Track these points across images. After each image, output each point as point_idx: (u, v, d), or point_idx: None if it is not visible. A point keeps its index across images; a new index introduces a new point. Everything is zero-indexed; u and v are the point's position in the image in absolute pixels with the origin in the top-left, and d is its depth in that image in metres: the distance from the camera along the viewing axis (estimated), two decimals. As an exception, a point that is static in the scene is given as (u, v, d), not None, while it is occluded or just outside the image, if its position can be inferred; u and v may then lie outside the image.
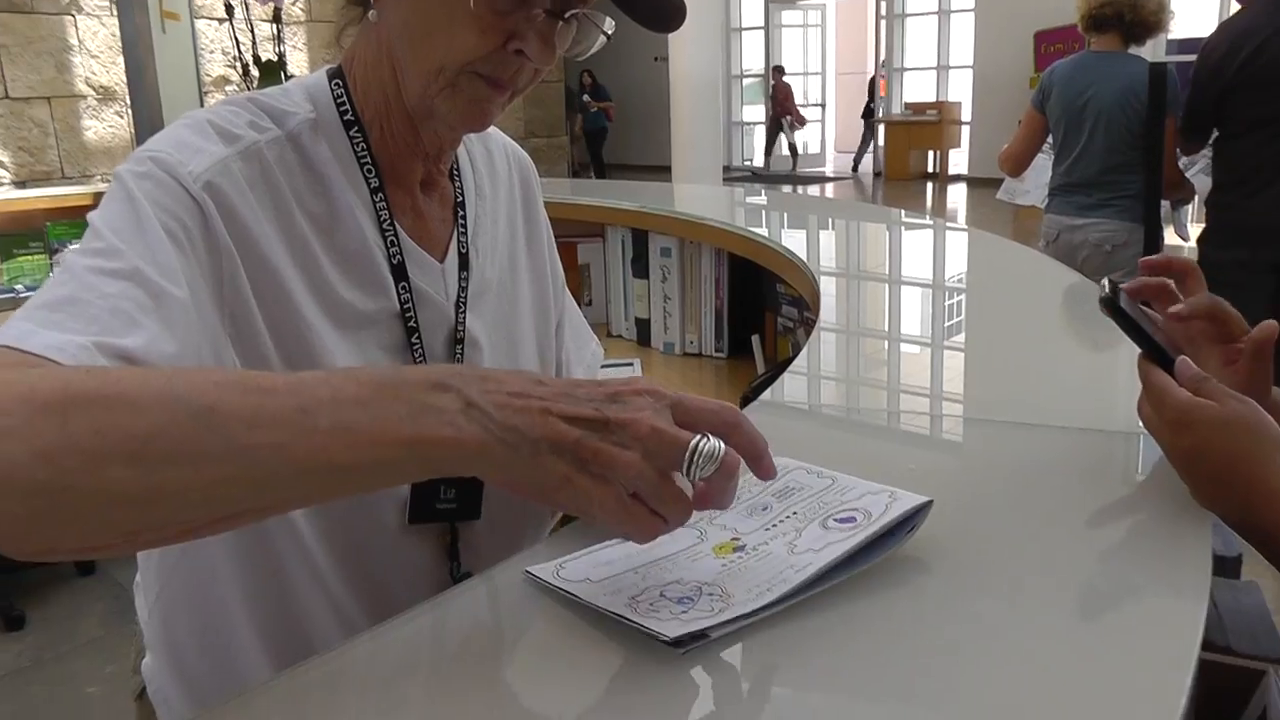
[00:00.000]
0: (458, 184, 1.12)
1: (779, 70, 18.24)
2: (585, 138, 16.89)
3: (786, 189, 16.28)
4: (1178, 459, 0.93)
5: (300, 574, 1.00)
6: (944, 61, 18.12)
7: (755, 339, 2.53)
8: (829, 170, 19.08)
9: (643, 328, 2.77)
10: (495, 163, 1.20)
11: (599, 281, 2.89)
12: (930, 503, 0.83)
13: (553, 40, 0.93)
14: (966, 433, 1.23)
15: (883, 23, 18.22)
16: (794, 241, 2.38)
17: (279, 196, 0.95)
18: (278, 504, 0.69)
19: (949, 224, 3.07)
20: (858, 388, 1.52)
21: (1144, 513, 0.95)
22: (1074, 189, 3.78)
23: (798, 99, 19.23)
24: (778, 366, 2.26)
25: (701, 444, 0.68)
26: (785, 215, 3.11)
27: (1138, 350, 0.96)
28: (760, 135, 20.09)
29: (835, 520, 0.82)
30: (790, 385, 1.45)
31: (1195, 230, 3.73)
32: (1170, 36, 3.67)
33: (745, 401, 2.18)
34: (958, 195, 15.56)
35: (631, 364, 2.59)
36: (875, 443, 1.22)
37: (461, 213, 1.11)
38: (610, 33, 0.97)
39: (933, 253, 2.64)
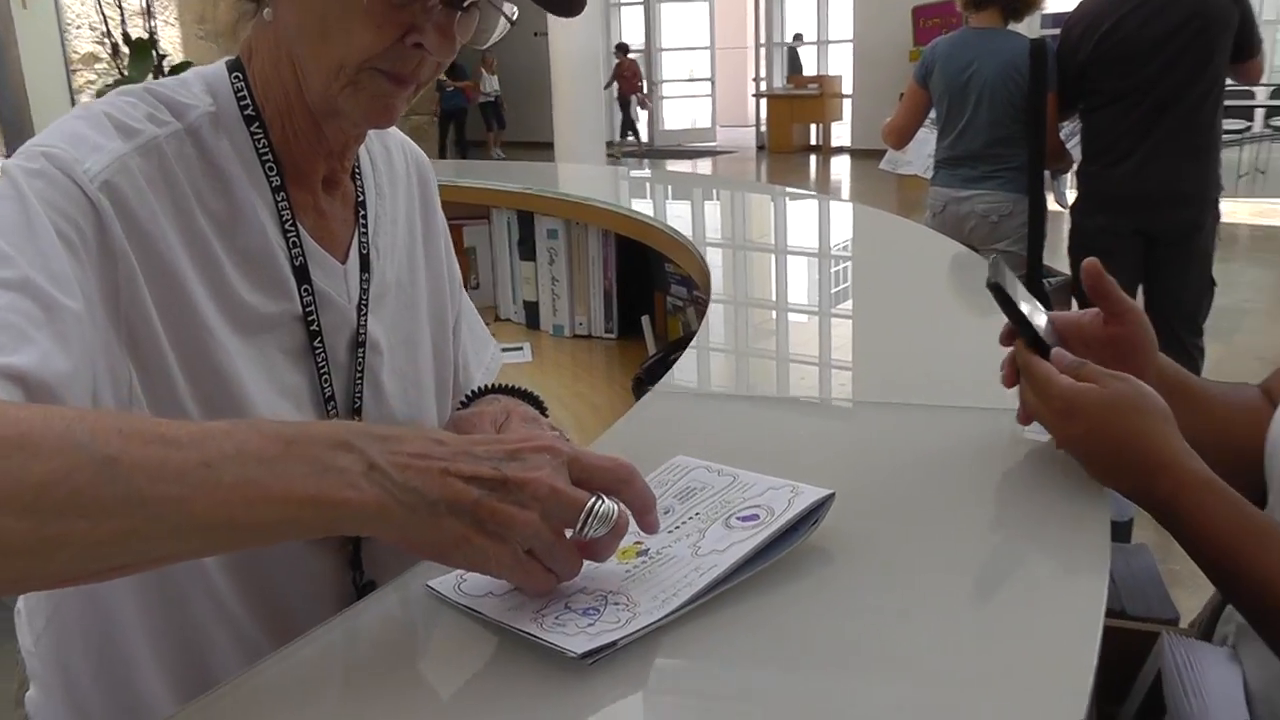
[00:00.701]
0: (359, 183, 1.09)
1: (622, 48, 17.99)
2: (440, 118, 16.57)
3: (673, 164, 16.32)
4: (1070, 445, 0.95)
5: (200, 596, 0.95)
6: (824, 36, 18.34)
7: (645, 319, 2.52)
8: (719, 144, 19.12)
9: (531, 310, 2.74)
10: (394, 161, 1.16)
11: (485, 265, 2.84)
12: (832, 495, 0.83)
13: (452, 32, 0.90)
14: (860, 415, 1.24)
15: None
16: (681, 221, 2.37)
17: (179, 194, 0.91)
18: (174, 557, 0.67)
19: (834, 199, 3.09)
20: (748, 361, 1.53)
21: (1041, 489, 0.96)
22: (959, 162, 3.85)
23: (682, 74, 19.24)
24: (669, 347, 2.25)
25: (597, 506, 0.71)
26: (670, 191, 3.10)
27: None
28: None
29: (738, 519, 0.82)
30: (685, 367, 1.44)
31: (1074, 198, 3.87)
32: (1043, 11, 3.78)
33: (638, 383, 2.18)
34: (841, 167, 15.77)
35: (521, 348, 2.56)
36: (770, 426, 1.21)
37: (363, 212, 1.08)
38: (514, 18, 0.94)
39: (818, 228, 2.66)
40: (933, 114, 3.97)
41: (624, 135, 18.28)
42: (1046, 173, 3.86)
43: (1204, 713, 0.91)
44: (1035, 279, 3.71)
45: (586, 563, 0.75)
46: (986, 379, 1.07)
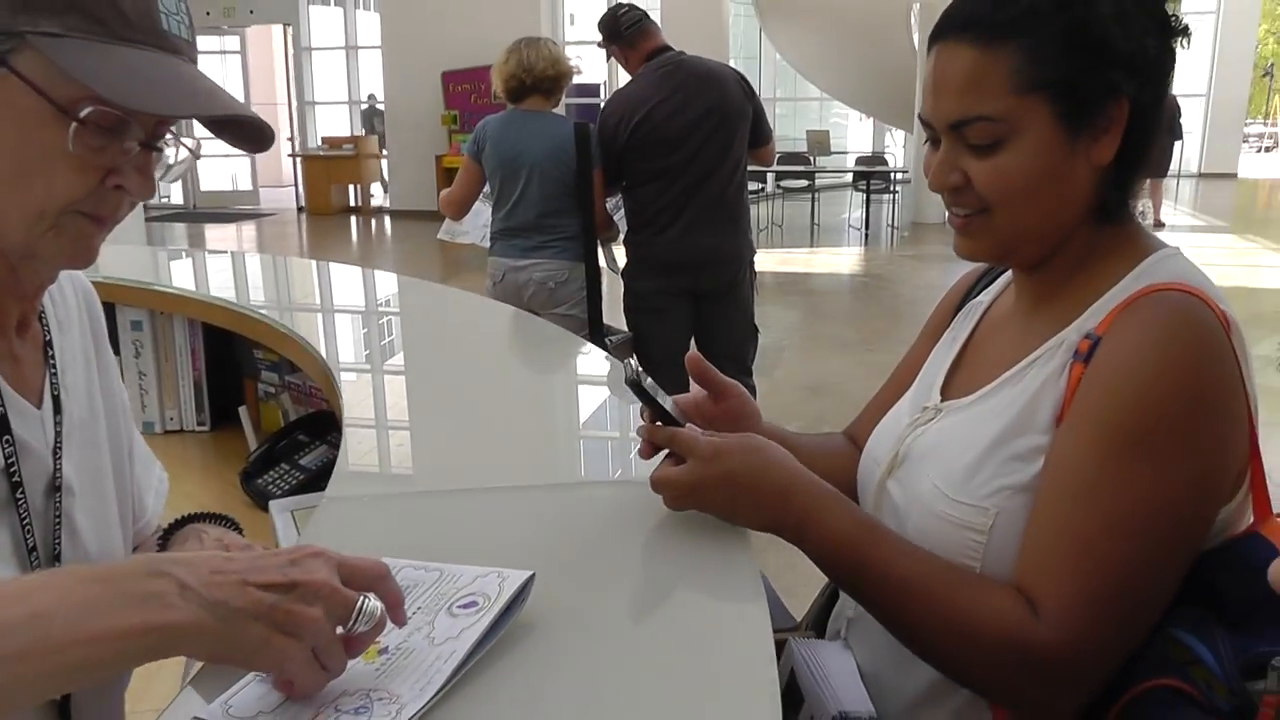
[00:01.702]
0: (44, 322, 1.07)
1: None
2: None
3: (213, 228, 15.66)
4: (715, 489, 1.14)
5: None
6: (355, 96, 18.36)
7: (243, 410, 2.50)
8: (260, 206, 18.48)
9: (114, 407, 2.62)
10: (66, 293, 1.14)
11: (55, 360, 2.68)
12: (533, 575, 0.97)
13: (150, 171, 0.93)
14: (502, 499, 1.36)
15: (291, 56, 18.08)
16: (280, 312, 2.39)
17: None
18: (10, 706, 0.69)
19: (382, 272, 3.21)
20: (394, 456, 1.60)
21: (687, 543, 1.15)
22: (515, 233, 4.12)
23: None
24: (273, 437, 2.25)
25: (365, 603, 0.81)
26: (254, 273, 3.08)
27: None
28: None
29: (459, 607, 0.93)
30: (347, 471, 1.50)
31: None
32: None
33: (246, 476, 2.16)
34: (383, 228, 15.84)
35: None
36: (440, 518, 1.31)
37: (51, 352, 1.06)
38: (199, 153, 0.98)
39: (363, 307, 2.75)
40: (487, 188, 4.21)
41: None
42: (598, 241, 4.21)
43: (832, 694, 1.16)
44: (597, 337, 4.03)
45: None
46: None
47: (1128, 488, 1.03)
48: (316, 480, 2.07)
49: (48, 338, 1.07)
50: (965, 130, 1.13)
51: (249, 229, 15.94)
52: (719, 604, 1.04)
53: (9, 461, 0.97)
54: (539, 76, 4.06)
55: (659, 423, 1.19)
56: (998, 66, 1.10)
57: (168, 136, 0.95)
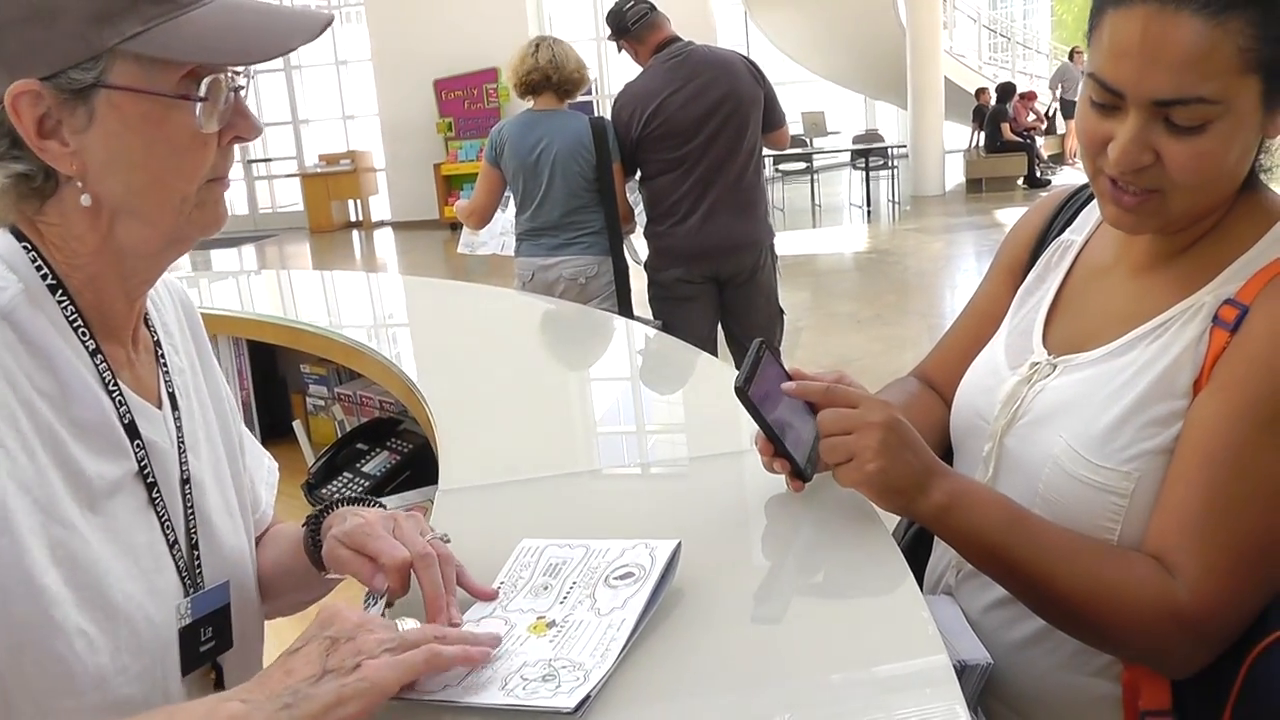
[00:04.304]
0: (150, 327, 1.10)
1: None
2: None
3: (217, 253, 15.68)
4: (883, 430, 1.10)
5: None
6: (346, 112, 18.35)
7: (297, 424, 2.52)
8: (257, 229, 18.48)
9: (167, 430, 2.64)
10: (163, 299, 1.17)
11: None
12: (680, 544, 0.99)
13: (248, 110, 0.96)
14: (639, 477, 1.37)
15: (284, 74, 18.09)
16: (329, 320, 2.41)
17: (14, 383, 0.89)
18: None
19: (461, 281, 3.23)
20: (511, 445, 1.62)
21: (815, 510, 1.17)
22: (541, 232, 4.13)
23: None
24: (334, 446, 2.28)
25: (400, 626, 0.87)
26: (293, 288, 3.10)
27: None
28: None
29: (616, 579, 0.97)
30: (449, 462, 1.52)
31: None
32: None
33: (310, 487, 2.19)
34: (386, 240, 15.86)
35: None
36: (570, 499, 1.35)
37: (161, 353, 1.10)
38: (253, 74, 0.99)
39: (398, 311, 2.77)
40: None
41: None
42: (620, 233, 4.24)
43: (949, 645, 1.15)
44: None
45: (508, 642, 0.90)
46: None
47: (1275, 458, 1.04)
48: (382, 485, 2.09)
49: (156, 339, 1.10)
50: (1174, 110, 1.03)
51: (248, 251, 15.97)
52: (861, 562, 1.07)
53: (141, 464, 1.00)
54: (566, 76, 4.09)
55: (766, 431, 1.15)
56: (1225, 43, 1.00)
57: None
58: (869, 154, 14.53)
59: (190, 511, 1.07)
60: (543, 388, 1.91)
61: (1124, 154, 1.07)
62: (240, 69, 0.95)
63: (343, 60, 18.07)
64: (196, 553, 1.07)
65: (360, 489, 2.11)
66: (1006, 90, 15.86)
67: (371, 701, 0.79)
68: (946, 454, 1.38)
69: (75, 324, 0.96)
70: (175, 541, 1.03)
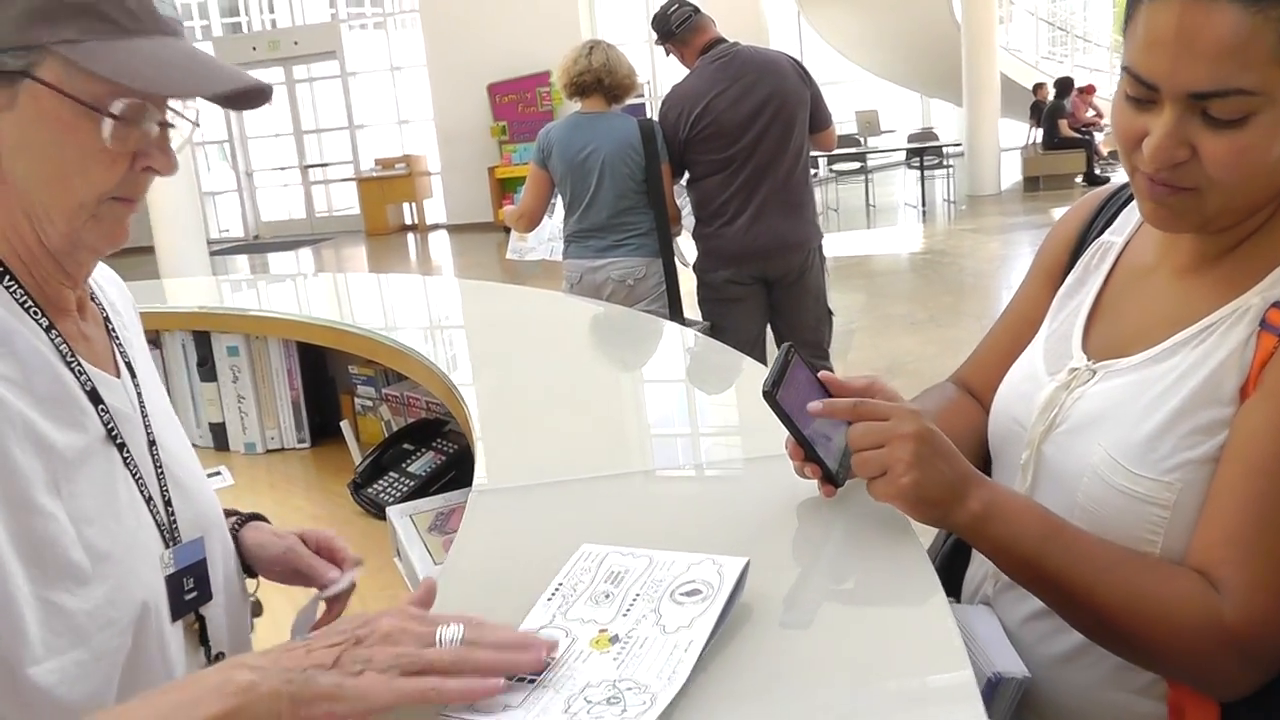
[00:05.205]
0: (97, 300, 1.15)
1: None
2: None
3: (275, 256, 15.89)
4: (916, 441, 1.06)
5: None
6: (401, 116, 18.53)
7: (344, 424, 2.55)
8: (313, 232, 18.76)
9: (218, 431, 2.68)
10: (100, 277, 1.22)
11: (157, 390, 2.75)
12: (749, 563, 0.97)
13: (170, 148, 1.01)
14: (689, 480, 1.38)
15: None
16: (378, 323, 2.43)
17: None
18: None
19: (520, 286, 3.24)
20: (549, 445, 1.62)
21: (849, 520, 1.15)
22: (589, 234, 4.15)
23: (272, 163, 18.88)
24: (380, 446, 2.30)
25: (443, 631, 0.85)
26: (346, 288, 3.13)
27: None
28: (228, 203, 19.49)
29: (682, 595, 0.95)
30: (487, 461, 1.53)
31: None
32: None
33: (356, 487, 2.21)
34: (441, 243, 15.99)
35: (219, 472, 2.51)
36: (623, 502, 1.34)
37: (111, 325, 1.15)
38: (199, 122, 1.04)
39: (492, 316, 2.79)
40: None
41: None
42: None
43: (984, 657, 1.15)
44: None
45: (570, 657, 0.88)
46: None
47: None
48: (427, 485, 2.11)
49: (105, 314, 1.16)
50: (1211, 102, 0.99)
51: (305, 255, 16.17)
52: (894, 580, 1.04)
53: (110, 428, 1.05)
54: (617, 80, 4.12)
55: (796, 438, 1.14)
56: (1266, 31, 0.95)
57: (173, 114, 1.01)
58: (924, 153, 14.40)
59: (160, 471, 1.11)
60: (586, 390, 1.91)
61: (1159, 149, 1.03)
62: (181, 107, 1.01)
63: (397, 66, 18.26)
64: (171, 509, 1.11)
65: (406, 489, 2.13)
66: (1064, 85, 15.54)
67: (358, 712, 0.81)
68: (985, 462, 1.35)
69: (26, 305, 1.00)
70: (151, 499, 1.08)
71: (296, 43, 18.05)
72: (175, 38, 0.99)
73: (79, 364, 1.03)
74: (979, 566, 1.34)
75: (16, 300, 1.00)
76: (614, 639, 0.91)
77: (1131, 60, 1.03)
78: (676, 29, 4.11)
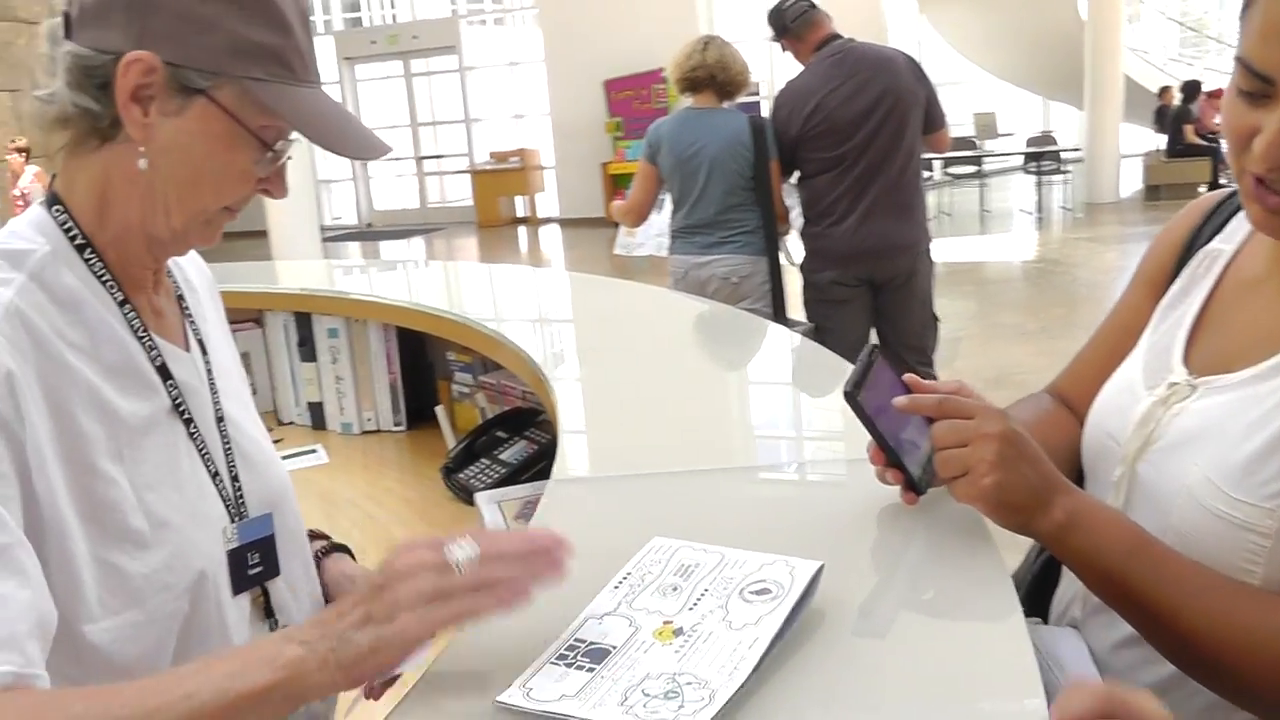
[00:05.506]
0: (172, 278, 1.20)
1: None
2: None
3: (386, 244, 16.18)
4: (1000, 442, 1.02)
5: None
6: (518, 110, 18.72)
7: (439, 409, 2.56)
8: (426, 222, 19.06)
9: (316, 411, 2.73)
10: (180, 261, 1.27)
11: (261, 369, 2.80)
12: (822, 566, 0.94)
13: (284, 176, 1.11)
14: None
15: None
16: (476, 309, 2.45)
17: (45, 341, 0.98)
18: None
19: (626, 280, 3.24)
20: (641, 436, 1.61)
21: (927, 530, 1.11)
22: (695, 230, 4.12)
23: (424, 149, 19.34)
24: (473, 433, 2.31)
25: (453, 550, 0.87)
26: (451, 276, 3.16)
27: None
28: (343, 191, 19.90)
29: (751, 593, 0.93)
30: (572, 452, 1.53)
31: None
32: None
33: (447, 471, 2.22)
34: (552, 237, 16.12)
35: (315, 450, 2.55)
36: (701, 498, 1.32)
37: (184, 303, 1.20)
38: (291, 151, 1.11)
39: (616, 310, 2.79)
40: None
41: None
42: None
43: (1068, 682, 1.07)
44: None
45: (630, 647, 0.87)
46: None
47: None
48: (517, 474, 2.11)
49: (179, 292, 1.21)
50: None
51: (417, 243, 16.43)
52: (969, 594, 1.00)
53: (176, 402, 1.09)
54: (730, 77, 4.07)
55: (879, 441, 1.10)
56: None
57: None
58: (1041, 157, 14.05)
59: (228, 447, 1.15)
60: (678, 386, 1.88)
61: (1271, 147, 0.95)
62: (293, 141, 1.09)
63: (515, 61, 18.45)
64: (238, 484, 1.15)
65: (496, 476, 2.14)
66: (1192, 89, 14.81)
67: (403, 652, 0.85)
68: (1078, 477, 1.28)
69: (104, 279, 1.05)
70: (217, 473, 1.12)
71: (415, 37, 18.35)
72: (320, 88, 1.09)
73: (149, 337, 1.08)
74: (1069, 587, 1.27)
75: (94, 272, 1.05)
76: (678, 631, 0.90)
77: (1246, 51, 0.96)
78: (791, 24, 4.05)
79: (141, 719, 0.79)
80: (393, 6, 20.96)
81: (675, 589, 0.96)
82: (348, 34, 19.68)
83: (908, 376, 1.13)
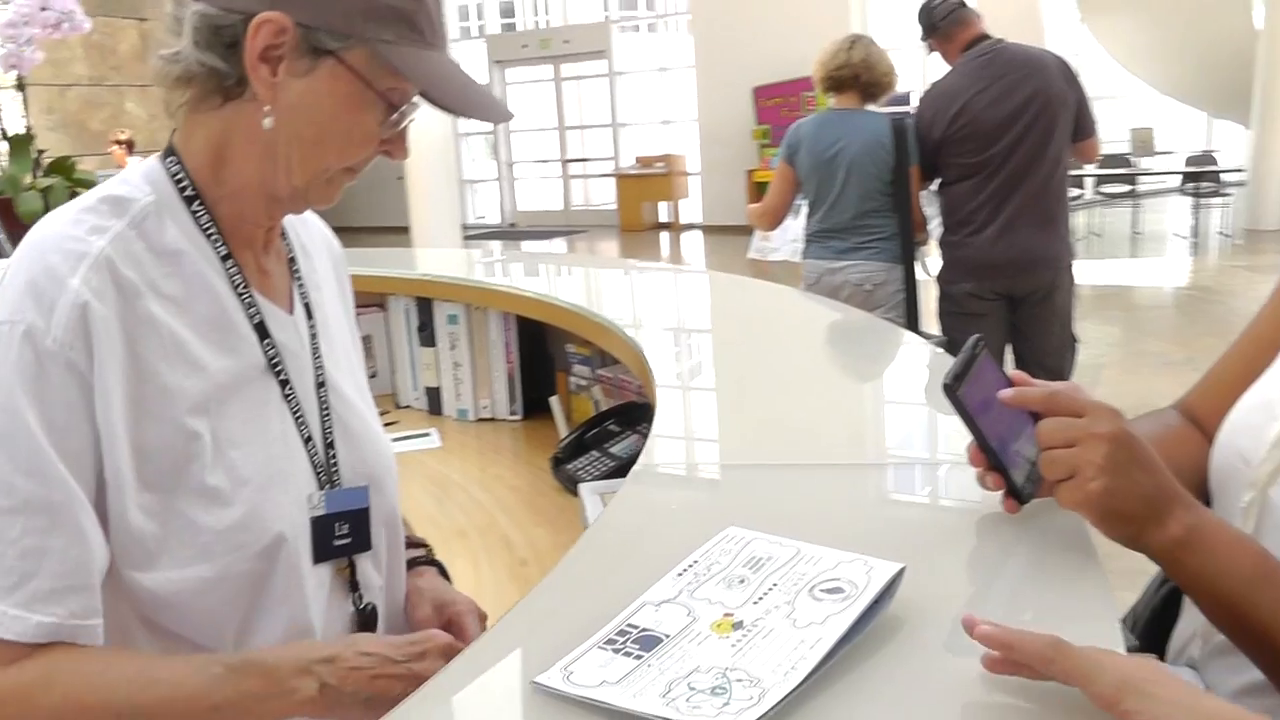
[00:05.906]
0: (286, 240, 1.21)
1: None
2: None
3: (530, 244, 16.39)
4: (1112, 444, 0.93)
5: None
6: (666, 116, 18.76)
7: (554, 400, 2.55)
8: (570, 224, 19.27)
9: (433, 396, 2.74)
10: (310, 226, 1.29)
11: (383, 352, 2.84)
12: (903, 569, 0.88)
13: (406, 140, 1.10)
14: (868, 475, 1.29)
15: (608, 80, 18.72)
16: (596, 304, 2.43)
17: (134, 295, 0.99)
18: None
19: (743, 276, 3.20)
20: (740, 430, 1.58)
21: (1028, 539, 1.03)
22: (830, 235, 4.02)
23: (534, 155, 19.54)
24: (584, 425, 2.29)
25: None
26: (586, 275, 3.16)
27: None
28: (487, 191, 20.23)
29: (822, 591, 0.87)
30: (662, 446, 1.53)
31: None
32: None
33: (556, 462, 2.21)
34: (694, 242, 16.09)
35: (429, 433, 2.56)
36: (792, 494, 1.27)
37: (295, 266, 1.21)
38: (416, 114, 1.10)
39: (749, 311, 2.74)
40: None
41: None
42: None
43: None
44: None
45: (683, 637, 0.83)
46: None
47: None
48: (626, 467, 2.08)
49: (291, 255, 1.21)
50: None
51: (559, 244, 16.57)
52: (1066, 605, 0.92)
53: (272, 361, 1.10)
54: (875, 78, 3.98)
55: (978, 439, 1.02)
56: None
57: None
58: (1200, 178, 13.42)
59: (326, 413, 1.16)
60: (789, 385, 1.83)
61: None
62: (417, 105, 1.09)
63: (664, 67, 18.50)
64: (333, 452, 1.15)
65: (605, 468, 2.12)
66: (1373, 109, 14.10)
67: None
68: (1204, 502, 1.17)
69: (209, 232, 1.07)
70: (310, 438, 1.13)
71: (567, 41, 18.55)
72: (449, 54, 1.10)
73: (250, 294, 1.09)
74: (1189, 623, 1.17)
75: (200, 226, 1.06)
76: (737, 625, 0.84)
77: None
78: (940, 22, 3.93)
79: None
80: (546, 11, 21.22)
81: (742, 581, 0.90)
82: (501, 37, 19.99)
83: (1014, 372, 1.04)
